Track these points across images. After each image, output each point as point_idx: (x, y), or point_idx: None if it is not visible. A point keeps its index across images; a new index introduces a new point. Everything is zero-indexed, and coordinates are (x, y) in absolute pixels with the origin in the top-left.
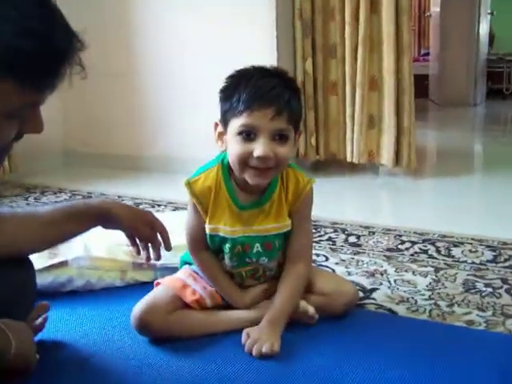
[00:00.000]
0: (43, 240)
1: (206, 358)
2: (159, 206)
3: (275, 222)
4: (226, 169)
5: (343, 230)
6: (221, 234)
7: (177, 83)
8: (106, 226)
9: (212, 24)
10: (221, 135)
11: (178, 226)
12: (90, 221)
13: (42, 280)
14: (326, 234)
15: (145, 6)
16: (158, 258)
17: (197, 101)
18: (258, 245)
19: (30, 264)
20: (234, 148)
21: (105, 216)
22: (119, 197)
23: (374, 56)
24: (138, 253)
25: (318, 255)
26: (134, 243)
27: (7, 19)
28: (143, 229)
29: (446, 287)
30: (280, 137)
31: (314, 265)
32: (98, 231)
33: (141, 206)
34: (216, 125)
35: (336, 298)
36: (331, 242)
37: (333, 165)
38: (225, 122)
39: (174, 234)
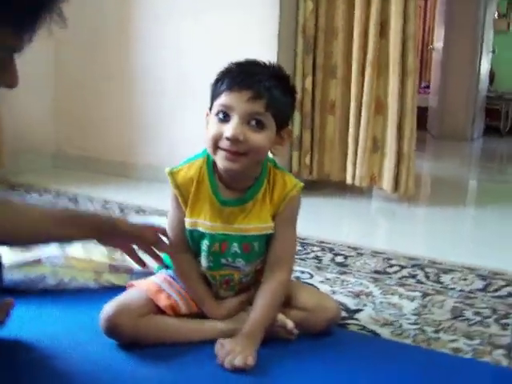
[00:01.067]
0: (37, 236)
1: (175, 368)
2: (144, 212)
3: (257, 222)
4: (211, 163)
5: (330, 250)
6: (200, 228)
7: (171, 91)
8: (104, 240)
9: (211, 33)
10: (208, 121)
11: None
12: (91, 229)
13: (12, 276)
14: (313, 252)
15: (145, 11)
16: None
17: (189, 111)
18: (235, 244)
19: None
20: (209, 129)
21: (108, 227)
22: (105, 201)
23: (381, 79)
24: (144, 265)
25: (302, 272)
26: (135, 257)
27: None
28: (149, 234)
29: (432, 313)
30: (256, 123)
31: (295, 280)
32: None
33: (126, 212)
34: (207, 114)
35: (318, 314)
36: (317, 261)
37: (325, 185)
38: (211, 106)
39: None
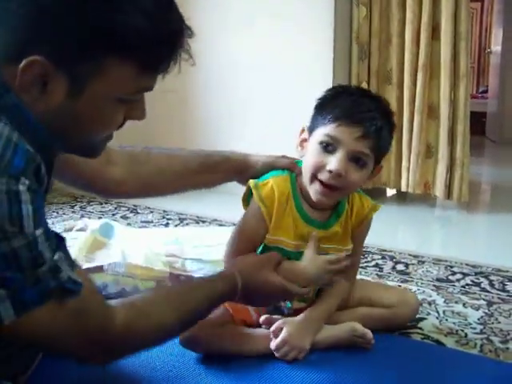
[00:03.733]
0: (174, 188)
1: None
2: (203, 222)
3: (338, 244)
4: (295, 180)
5: (391, 258)
6: (282, 246)
7: (229, 101)
8: (241, 180)
9: (267, 43)
10: (303, 142)
11: (219, 240)
12: (227, 173)
13: None
14: (374, 260)
15: (198, 22)
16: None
17: (248, 119)
18: None
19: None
20: (311, 155)
21: (243, 167)
22: (165, 211)
23: (433, 83)
24: None
25: (363, 280)
26: None
27: (129, 2)
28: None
29: (499, 322)
30: (358, 160)
31: (372, 279)
32: (136, 238)
33: (185, 222)
34: (302, 130)
35: (402, 309)
36: (378, 269)
37: (383, 193)
38: (312, 128)
39: (215, 247)
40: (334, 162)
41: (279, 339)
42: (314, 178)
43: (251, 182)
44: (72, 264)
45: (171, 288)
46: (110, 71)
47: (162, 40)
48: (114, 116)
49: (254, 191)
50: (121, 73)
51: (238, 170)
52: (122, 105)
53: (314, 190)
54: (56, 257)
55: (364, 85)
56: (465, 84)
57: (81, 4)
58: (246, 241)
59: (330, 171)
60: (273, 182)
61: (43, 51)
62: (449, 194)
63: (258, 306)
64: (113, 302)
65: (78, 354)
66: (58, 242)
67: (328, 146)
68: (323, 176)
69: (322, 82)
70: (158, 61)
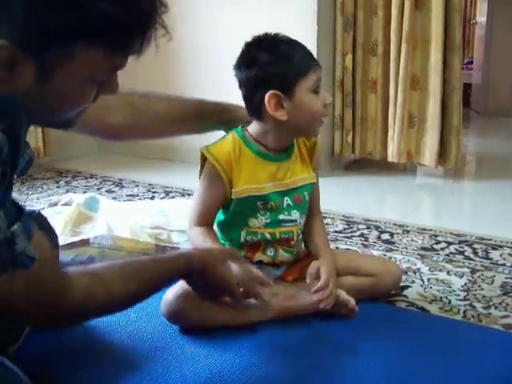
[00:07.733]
0: (169, 133)
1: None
2: (189, 195)
3: (302, 173)
4: (243, 135)
5: (376, 227)
6: (252, 193)
7: (207, 68)
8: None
9: (251, 14)
10: (278, 105)
11: None
12: (221, 123)
13: (62, 257)
14: (359, 230)
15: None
16: None
17: (232, 93)
18: (287, 198)
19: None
20: (312, 105)
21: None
22: (150, 185)
23: (418, 54)
24: None
25: (349, 250)
26: None
27: None
28: None
29: (482, 289)
30: None
31: (357, 249)
32: (121, 211)
33: (171, 195)
34: (272, 96)
35: (385, 278)
36: (363, 238)
37: (368, 164)
38: (289, 85)
39: None
40: (327, 95)
41: (326, 290)
42: (317, 121)
43: (202, 148)
44: (29, 236)
45: (132, 261)
46: (79, 56)
47: (132, 24)
48: (85, 95)
49: (206, 154)
50: (90, 57)
51: (231, 121)
52: (94, 83)
53: (317, 129)
54: (13, 228)
55: (349, 56)
56: (459, 55)
57: None
58: (207, 203)
59: (328, 104)
60: (221, 141)
61: (10, 36)
62: (443, 162)
63: (202, 294)
64: (73, 270)
65: (33, 320)
66: (18, 213)
67: (317, 88)
68: (324, 112)
69: None
70: (128, 44)
